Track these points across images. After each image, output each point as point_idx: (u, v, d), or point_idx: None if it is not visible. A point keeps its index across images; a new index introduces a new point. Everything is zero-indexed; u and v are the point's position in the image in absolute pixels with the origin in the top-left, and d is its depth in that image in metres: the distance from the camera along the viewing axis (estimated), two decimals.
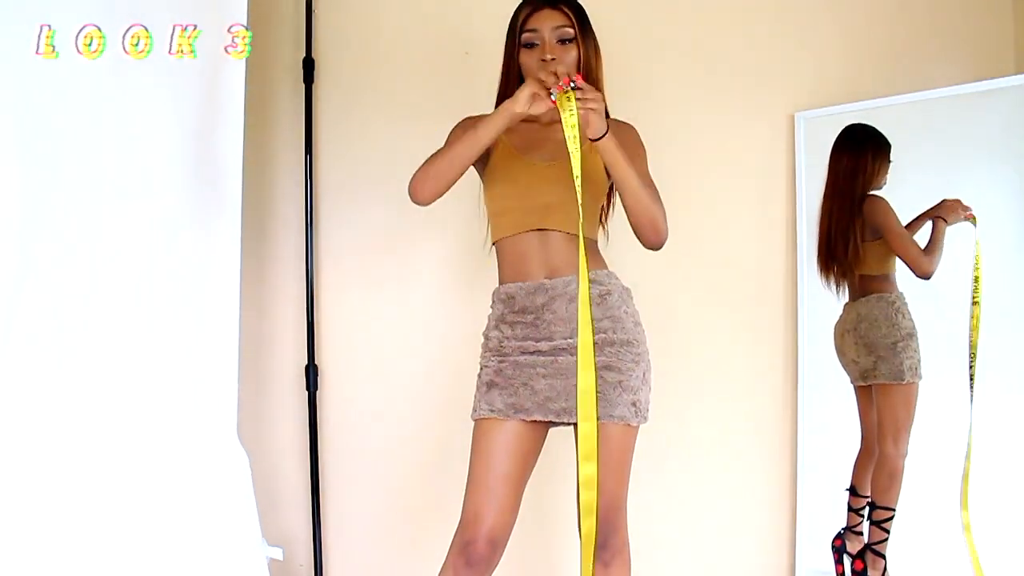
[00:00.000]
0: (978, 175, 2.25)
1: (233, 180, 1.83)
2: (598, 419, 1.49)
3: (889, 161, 2.27)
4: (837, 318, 2.34)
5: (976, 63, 2.38)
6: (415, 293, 2.32)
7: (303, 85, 2.26)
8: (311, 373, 2.23)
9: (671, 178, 2.32)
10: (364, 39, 2.32)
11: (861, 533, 2.28)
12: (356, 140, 2.30)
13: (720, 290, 2.39)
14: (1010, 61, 2.42)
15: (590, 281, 1.52)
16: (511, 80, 1.62)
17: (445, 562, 1.51)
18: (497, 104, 1.61)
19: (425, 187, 1.53)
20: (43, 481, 1.51)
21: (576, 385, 1.49)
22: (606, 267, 1.59)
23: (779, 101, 2.41)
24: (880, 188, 2.28)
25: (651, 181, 1.56)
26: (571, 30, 1.55)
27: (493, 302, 1.62)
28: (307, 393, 2.24)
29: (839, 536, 2.33)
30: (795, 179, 2.39)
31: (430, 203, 1.56)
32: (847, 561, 2.29)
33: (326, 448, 2.27)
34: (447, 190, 1.54)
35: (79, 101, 1.59)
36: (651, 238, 1.53)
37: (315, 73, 2.27)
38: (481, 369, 1.59)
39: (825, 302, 2.35)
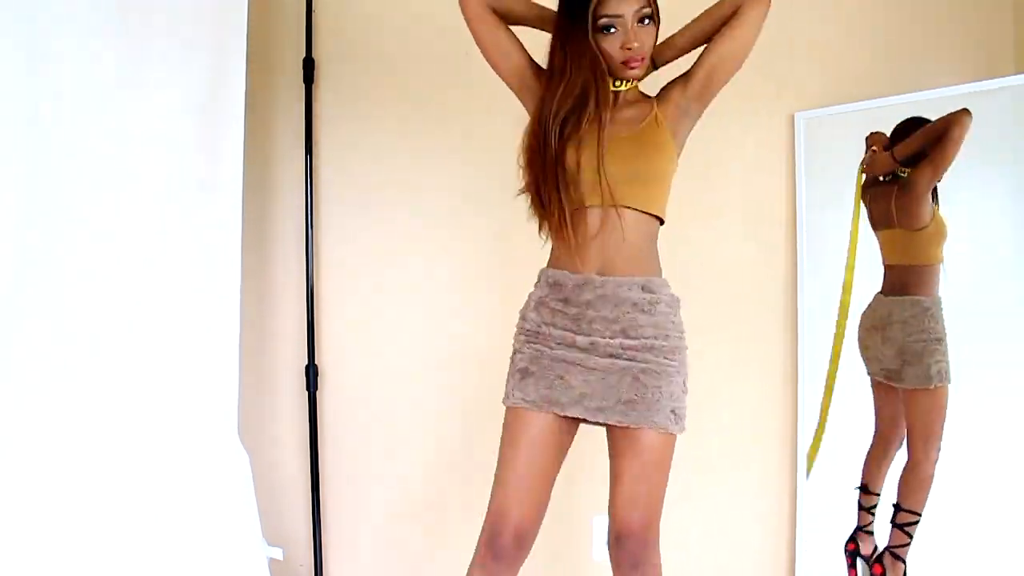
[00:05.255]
0: (978, 175, 2.24)
1: (233, 180, 1.83)
2: (635, 424, 1.45)
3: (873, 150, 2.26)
4: (866, 308, 2.27)
5: (976, 63, 2.39)
6: (415, 293, 2.32)
7: (303, 85, 2.25)
8: (311, 373, 2.23)
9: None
10: (364, 39, 2.32)
11: (872, 533, 2.24)
12: (356, 140, 2.30)
13: (720, 290, 2.39)
14: (1010, 61, 2.42)
15: (640, 288, 1.48)
16: (583, 63, 1.46)
17: (474, 555, 1.49)
18: (547, 95, 1.49)
19: None
20: (44, 480, 1.51)
21: (613, 386, 1.46)
22: (660, 273, 1.54)
23: (779, 101, 2.41)
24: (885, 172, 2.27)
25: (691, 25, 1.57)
26: (650, 8, 1.46)
27: (538, 281, 1.56)
28: (307, 393, 2.24)
29: (852, 540, 2.29)
30: (795, 179, 2.39)
31: (470, 16, 1.53)
32: (860, 565, 2.25)
33: (326, 448, 2.27)
34: (488, 15, 1.52)
35: (80, 102, 1.59)
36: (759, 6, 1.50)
37: (315, 73, 2.27)
38: (515, 353, 1.54)
39: (825, 301, 2.34)
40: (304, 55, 2.26)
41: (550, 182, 1.47)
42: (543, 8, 1.57)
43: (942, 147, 2.13)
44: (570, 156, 1.47)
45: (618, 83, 1.53)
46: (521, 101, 1.59)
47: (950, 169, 2.21)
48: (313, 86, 2.27)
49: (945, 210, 2.22)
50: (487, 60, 1.58)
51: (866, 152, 2.27)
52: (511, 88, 1.59)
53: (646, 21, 1.46)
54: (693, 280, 2.36)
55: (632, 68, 1.48)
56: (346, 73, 2.29)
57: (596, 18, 1.44)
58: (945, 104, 2.21)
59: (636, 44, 1.45)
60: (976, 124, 2.17)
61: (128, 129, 1.66)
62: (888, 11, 2.44)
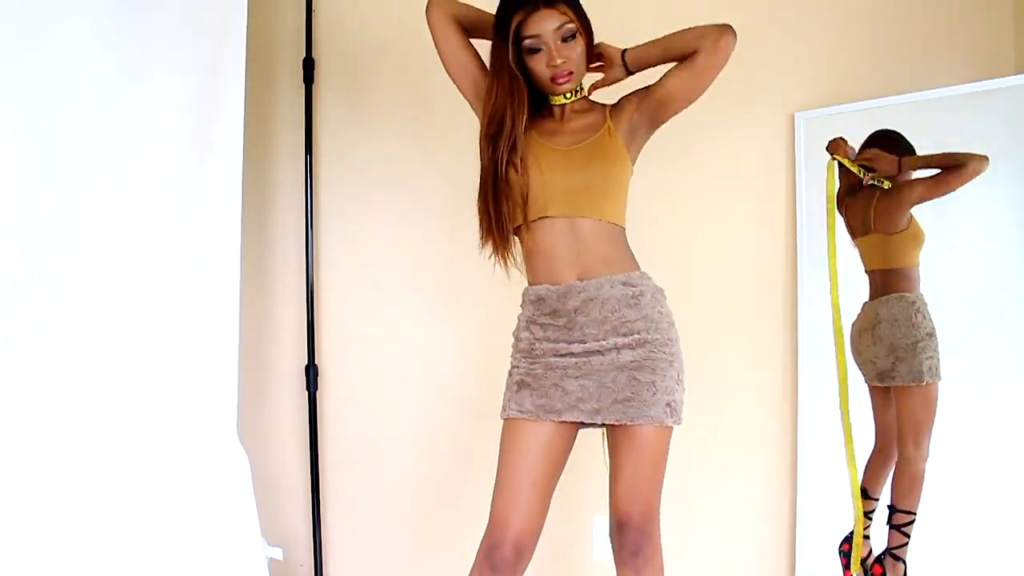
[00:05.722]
0: (978, 175, 2.24)
1: (233, 180, 1.83)
2: (631, 422, 1.47)
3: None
4: (855, 316, 2.29)
5: (976, 63, 2.38)
6: (415, 293, 2.32)
7: (303, 85, 2.25)
8: (311, 373, 2.23)
9: (671, 178, 2.34)
10: (364, 39, 2.32)
11: (868, 536, 2.25)
12: (356, 140, 2.30)
13: (719, 290, 2.39)
14: (1010, 61, 2.41)
15: (621, 284, 1.51)
16: (503, 83, 1.51)
17: (473, 565, 1.49)
18: (483, 115, 1.55)
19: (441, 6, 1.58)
20: (44, 480, 1.51)
21: (608, 386, 1.48)
22: (638, 268, 1.56)
23: (779, 101, 2.41)
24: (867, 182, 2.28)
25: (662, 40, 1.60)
26: (572, 25, 1.49)
27: (523, 302, 1.59)
28: (307, 393, 2.24)
29: (846, 540, 2.30)
30: (795, 179, 2.39)
31: (433, 23, 1.59)
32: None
33: (326, 448, 2.27)
34: (449, 25, 1.58)
35: (80, 102, 1.59)
36: (719, 38, 1.56)
37: (315, 73, 2.27)
38: (512, 369, 1.57)
39: (825, 302, 2.34)
40: (304, 55, 2.26)
41: (489, 199, 1.53)
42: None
43: (951, 175, 2.17)
44: (514, 172, 1.51)
45: (568, 95, 1.57)
46: (476, 113, 1.62)
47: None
48: (313, 86, 2.27)
49: (945, 210, 2.22)
50: (445, 69, 1.62)
51: (832, 158, 2.29)
52: (467, 99, 1.63)
53: (570, 38, 1.50)
54: (693, 280, 2.37)
55: (560, 83, 1.53)
56: (346, 73, 2.30)
57: (520, 41, 1.50)
58: (945, 104, 2.21)
59: (560, 60, 1.50)
60: (976, 124, 2.17)
61: (128, 129, 1.66)
62: (888, 11, 2.44)
